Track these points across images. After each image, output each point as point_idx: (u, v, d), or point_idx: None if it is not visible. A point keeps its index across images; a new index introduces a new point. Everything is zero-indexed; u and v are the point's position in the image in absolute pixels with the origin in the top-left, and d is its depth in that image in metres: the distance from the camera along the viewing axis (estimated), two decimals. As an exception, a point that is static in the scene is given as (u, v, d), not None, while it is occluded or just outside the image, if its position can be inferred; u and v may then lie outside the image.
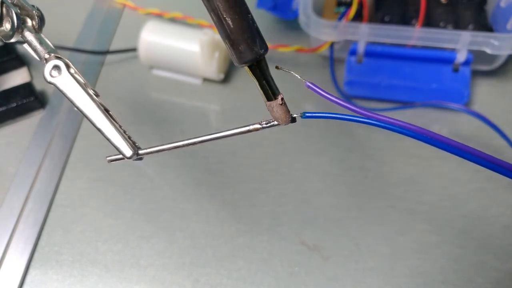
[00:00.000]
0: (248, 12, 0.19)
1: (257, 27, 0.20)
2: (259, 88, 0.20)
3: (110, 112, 0.24)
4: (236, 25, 0.19)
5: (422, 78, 0.41)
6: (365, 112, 0.20)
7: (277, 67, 0.22)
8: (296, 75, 0.21)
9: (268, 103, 0.21)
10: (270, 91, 0.21)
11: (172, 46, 0.41)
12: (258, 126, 0.22)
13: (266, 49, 0.20)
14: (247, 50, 0.19)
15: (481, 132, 0.39)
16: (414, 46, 0.40)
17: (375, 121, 0.19)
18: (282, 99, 0.21)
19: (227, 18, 0.19)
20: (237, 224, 0.35)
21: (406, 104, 0.41)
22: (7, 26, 0.24)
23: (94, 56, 0.46)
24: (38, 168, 0.39)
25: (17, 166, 0.39)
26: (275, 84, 0.21)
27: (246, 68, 0.20)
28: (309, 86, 0.21)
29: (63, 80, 0.23)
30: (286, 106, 0.21)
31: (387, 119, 0.19)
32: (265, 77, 0.20)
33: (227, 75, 0.44)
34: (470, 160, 0.19)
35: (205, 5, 0.19)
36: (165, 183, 0.38)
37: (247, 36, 0.19)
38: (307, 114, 0.21)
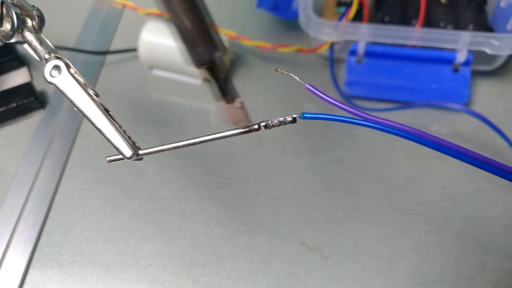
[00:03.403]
0: (207, 14, 0.19)
1: (215, 29, 0.19)
2: (217, 90, 0.20)
3: (110, 112, 0.24)
4: (193, 27, 0.19)
5: (422, 78, 0.41)
6: (363, 115, 0.20)
7: (276, 70, 0.22)
8: (296, 77, 0.21)
9: (227, 105, 0.20)
10: (228, 93, 0.20)
11: (172, 46, 0.41)
12: (257, 126, 0.22)
13: (224, 51, 0.20)
14: (204, 52, 0.19)
15: (481, 132, 0.39)
16: (414, 46, 0.40)
17: (374, 123, 0.20)
18: (241, 102, 0.20)
19: (184, 20, 0.19)
20: (237, 224, 0.35)
21: (406, 104, 0.41)
22: (7, 26, 0.24)
23: (94, 56, 0.46)
24: (38, 168, 0.39)
25: (17, 166, 0.39)
26: (233, 87, 0.20)
27: (205, 70, 0.20)
28: (308, 88, 0.21)
29: (63, 80, 0.23)
30: (245, 110, 0.21)
31: (386, 121, 0.19)
32: (222, 79, 0.20)
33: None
34: (469, 163, 0.19)
35: (163, 6, 0.19)
36: (165, 183, 0.38)
37: (204, 38, 0.19)
38: (306, 115, 0.21)
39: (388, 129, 0.19)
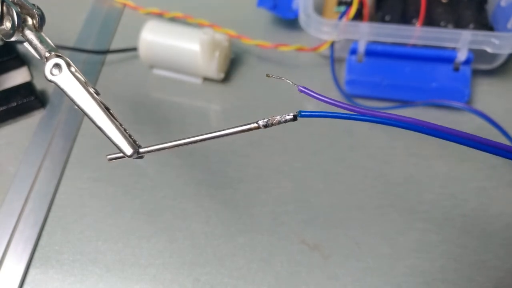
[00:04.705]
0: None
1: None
2: None
3: (111, 111, 0.24)
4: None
5: (422, 77, 0.41)
6: (359, 110, 0.20)
7: (267, 75, 0.22)
8: (287, 80, 0.21)
9: None
10: None
11: (172, 46, 0.41)
12: (257, 125, 0.22)
13: None
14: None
15: (483, 131, 0.39)
16: (414, 45, 0.40)
17: (369, 117, 0.20)
18: None
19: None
20: (237, 223, 0.35)
21: (406, 103, 0.41)
22: (7, 25, 0.24)
23: (94, 56, 0.46)
24: (38, 168, 0.39)
25: (17, 166, 0.39)
26: None
27: None
28: (301, 90, 0.21)
29: (64, 78, 0.23)
30: None
31: (381, 114, 0.19)
32: None
33: (228, 75, 0.44)
34: (466, 145, 0.19)
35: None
36: (165, 183, 0.38)
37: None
38: (303, 113, 0.21)
39: (385, 120, 0.19)
